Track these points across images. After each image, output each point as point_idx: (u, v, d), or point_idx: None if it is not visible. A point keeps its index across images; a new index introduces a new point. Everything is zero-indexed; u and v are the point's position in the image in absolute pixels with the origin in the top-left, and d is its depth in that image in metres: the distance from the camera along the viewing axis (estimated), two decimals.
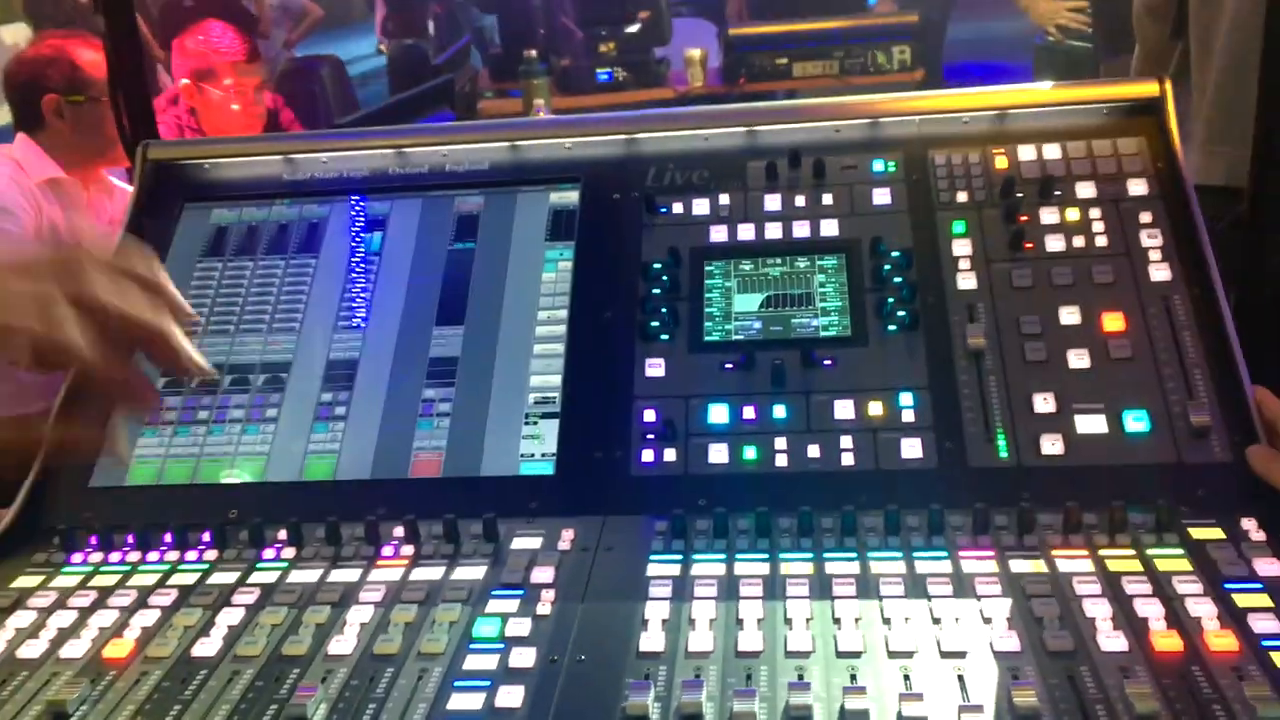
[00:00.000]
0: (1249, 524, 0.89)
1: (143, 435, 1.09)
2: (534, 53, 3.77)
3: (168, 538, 1.00)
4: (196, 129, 2.94)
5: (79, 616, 0.90)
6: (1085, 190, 1.11)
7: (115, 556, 0.99)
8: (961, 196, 1.13)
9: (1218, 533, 0.88)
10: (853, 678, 0.75)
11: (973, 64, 5.73)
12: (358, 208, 1.21)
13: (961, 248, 1.10)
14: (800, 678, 0.75)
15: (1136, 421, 0.97)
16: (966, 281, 1.07)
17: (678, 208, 1.16)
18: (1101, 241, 1.08)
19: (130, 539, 1.00)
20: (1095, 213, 1.10)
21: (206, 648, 0.85)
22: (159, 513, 1.03)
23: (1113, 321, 1.03)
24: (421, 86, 2.87)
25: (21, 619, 0.91)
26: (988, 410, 1.00)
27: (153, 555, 0.99)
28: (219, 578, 0.94)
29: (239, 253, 1.19)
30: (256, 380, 1.11)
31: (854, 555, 0.90)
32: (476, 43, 6.13)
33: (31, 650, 0.86)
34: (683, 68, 4.90)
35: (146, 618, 0.89)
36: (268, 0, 6.95)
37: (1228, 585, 0.82)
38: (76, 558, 1.00)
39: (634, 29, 5.03)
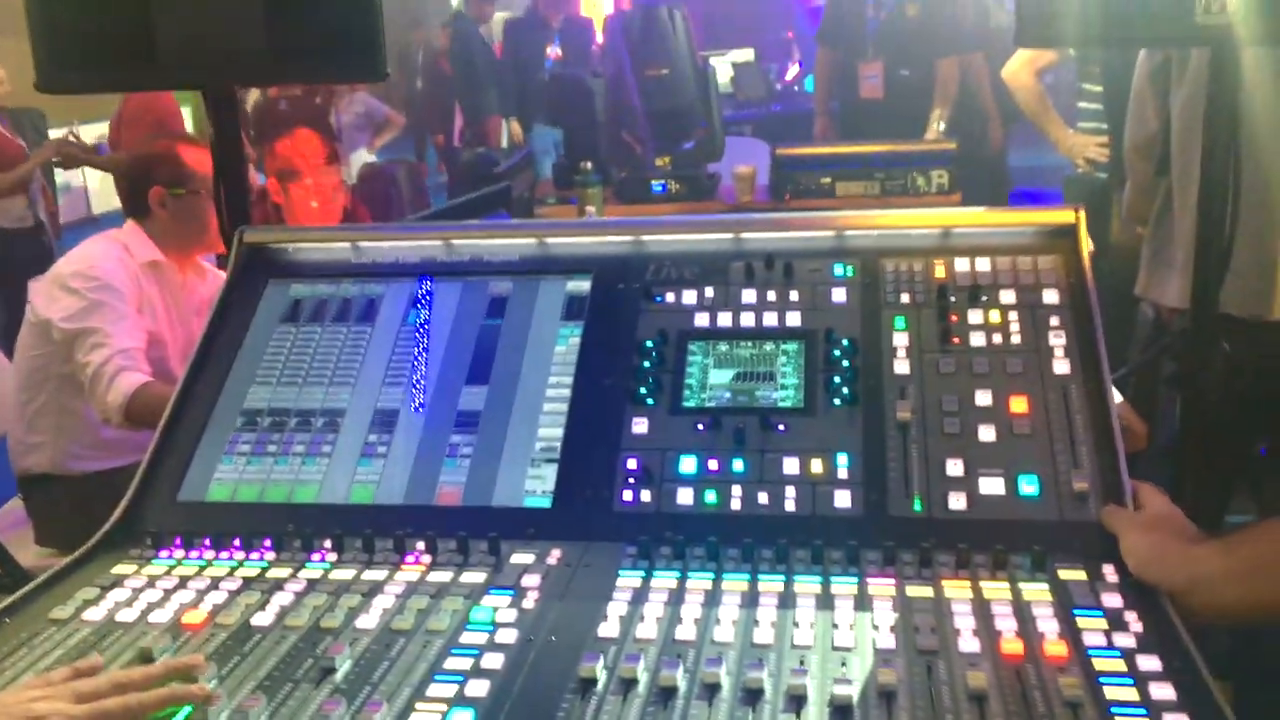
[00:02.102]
0: (1109, 569, 1.09)
1: (222, 462, 1.34)
2: (589, 165, 4.09)
3: (237, 542, 1.24)
4: (280, 223, 3.27)
5: (164, 595, 1.14)
6: (1007, 296, 1.34)
7: (194, 554, 1.23)
8: (904, 298, 1.36)
9: (1081, 574, 1.08)
10: (759, 661, 0.95)
11: (1022, 190, 5.98)
12: (409, 287, 1.47)
13: (900, 340, 1.32)
14: (718, 658, 0.96)
15: (1029, 485, 1.18)
16: (902, 367, 1.30)
17: (670, 297, 1.40)
18: (1016, 339, 1.30)
19: (207, 542, 1.24)
20: (1014, 315, 1.32)
21: (262, 619, 1.08)
22: (231, 523, 1.27)
23: (1018, 404, 1.24)
24: (481, 191, 3.19)
25: (119, 595, 1.15)
26: (908, 471, 1.21)
27: (224, 554, 1.23)
28: (275, 572, 1.18)
29: (310, 320, 1.45)
30: (317, 423, 1.36)
31: (782, 577, 1.11)
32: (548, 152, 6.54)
33: (127, 616, 1.10)
34: (733, 183, 5.21)
35: (217, 597, 1.13)
36: (354, 109, 7.47)
37: (1076, 611, 1.02)
38: (164, 554, 1.24)
39: (689, 146, 5.37)
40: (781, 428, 1.26)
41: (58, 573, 1.21)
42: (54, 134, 5.93)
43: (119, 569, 1.21)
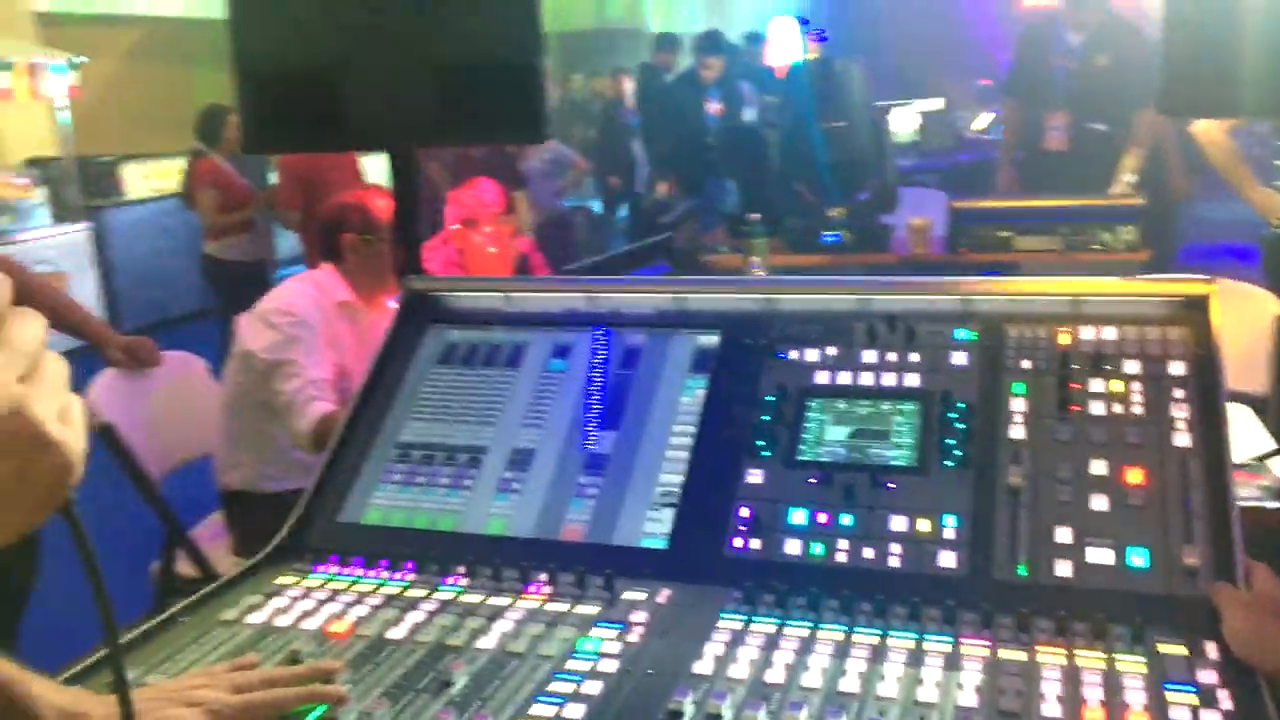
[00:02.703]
0: (1210, 646, 1.08)
1: (377, 489, 1.48)
2: (757, 216, 4.17)
3: (384, 562, 1.37)
4: (462, 266, 3.49)
5: (316, 605, 1.28)
6: (1131, 366, 1.34)
7: (347, 571, 1.37)
8: (1025, 364, 1.38)
9: (1181, 649, 1.08)
10: (839, 709, 1.00)
11: (1206, 247, 5.72)
12: (552, 336, 1.58)
13: (1018, 405, 1.34)
14: (800, 702, 1.01)
15: (1138, 557, 1.18)
16: (1017, 432, 1.31)
17: (793, 354, 1.47)
18: (1137, 410, 1.30)
19: (358, 560, 1.38)
20: (1137, 386, 1.32)
21: (396, 633, 1.19)
22: (381, 545, 1.40)
23: (1134, 475, 1.24)
24: (642, 241, 3.31)
25: (279, 602, 1.29)
26: (1015, 536, 1.23)
27: (372, 573, 1.36)
28: (413, 592, 1.30)
29: (462, 363, 1.59)
30: (461, 458, 1.48)
31: (878, 631, 1.15)
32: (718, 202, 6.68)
33: (282, 621, 1.24)
34: (906, 234, 5.18)
35: (360, 610, 1.25)
36: (542, 155, 7.79)
37: (1167, 686, 1.02)
38: (321, 569, 1.38)
39: (864, 197, 5.38)
40: (892, 485, 1.30)
41: (230, 580, 1.37)
42: (273, 177, 6.47)
43: (281, 580, 1.35)
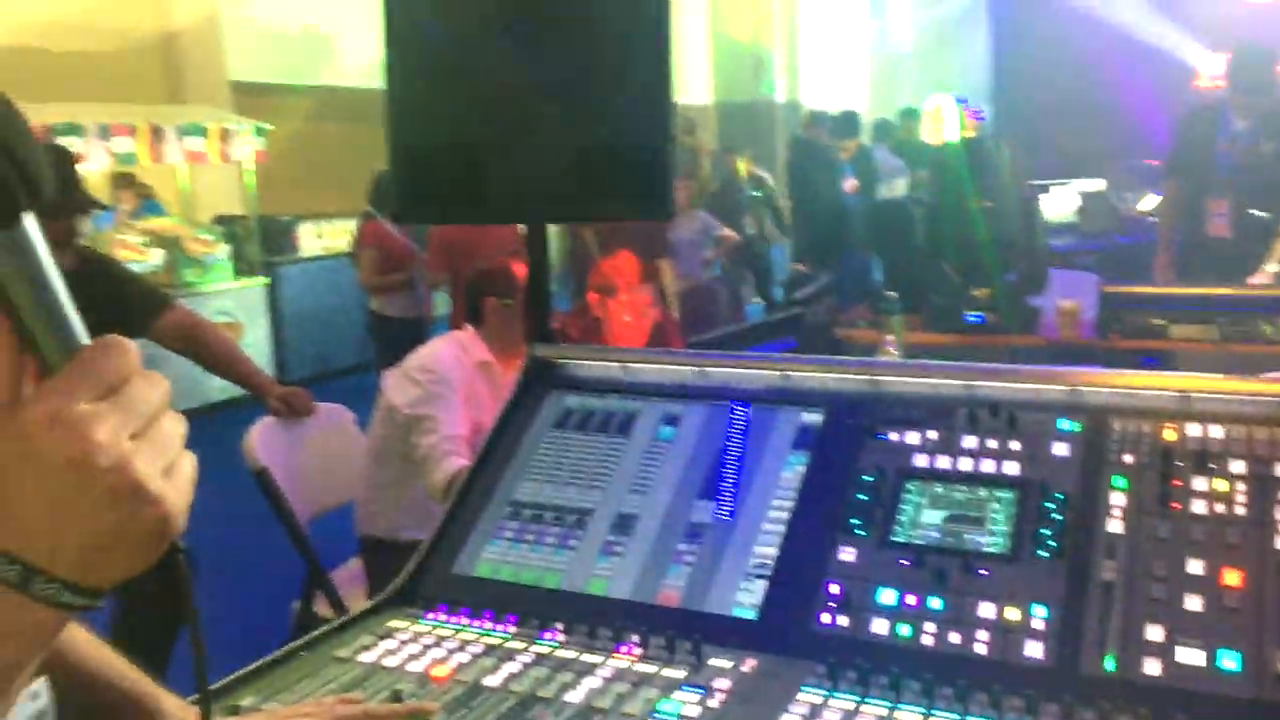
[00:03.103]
0: None
1: (489, 544, 1.56)
2: (894, 294, 4.17)
3: (489, 613, 1.45)
4: (599, 333, 3.61)
5: (422, 649, 1.36)
6: (1237, 466, 1.32)
7: (454, 619, 1.45)
8: (1128, 458, 1.37)
9: None
10: None
11: None
12: (662, 407, 1.65)
13: (1117, 499, 1.33)
14: None
15: (1230, 660, 1.16)
16: (1115, 526, 1.31)
17: (894, 436, 1.49)
18: (1240, 510, 1.28)
19: (465, 610, 1.46)
20: (1241, 486, 1.30)
21: (492, 681, 1.27)
22: (488, 597, 1.48)
23: (1231, 577, 1.22)
24: (770, 317, 3.37)
25: (389, 644, 1.38)
26: (1105, 631, 1.22)
27: (477, 623, 1.44)
28: (513, 644, 1.37)
29: (576, 429, 1.67)
30: (569, 519, 1.56)
31: (957, 716, 1.16)
32: (860, 278, 6.68)
33: (390, 662, 1.33)
34: (1055, 317, 5.07)
35: (462, 657, 1.33)
36: (691, 225, 7.93)
37: None
38: (431, 616, 1.47)
39: (1011, 277, 5.30)
40: (984, 572, 1.31)
41: (349, 620, 1.47)
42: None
43: (394, 623, 1.45)
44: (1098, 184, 9.36)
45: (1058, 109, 12.51)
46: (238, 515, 3.46)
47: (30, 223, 0.70)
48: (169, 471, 0.71)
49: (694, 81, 15.94)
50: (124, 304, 3.12)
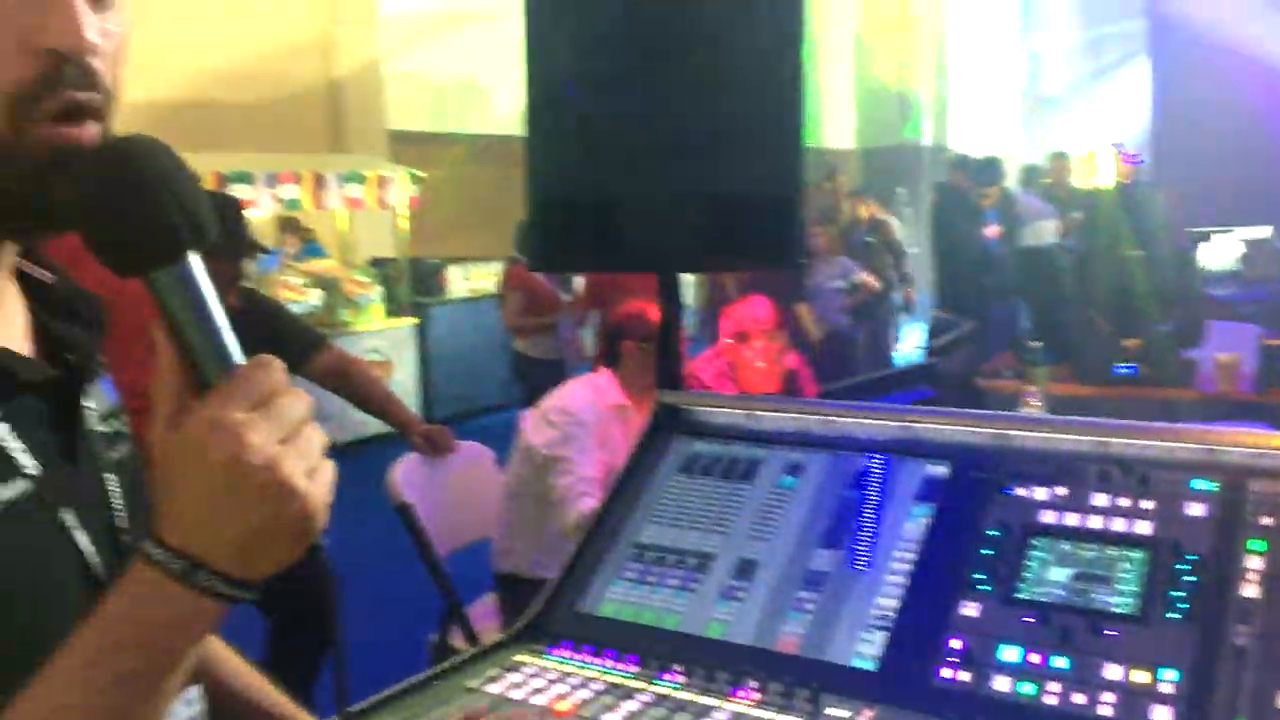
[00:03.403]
0: None
1: (613, 584, 1.61)
2: (1039, 344, 4.07)
3: (611, 652, 1.49)
4: (732, 379, 3.64)
5: (546, 684, 1.41)
6: None
7: (578, 657, 1.50)
8: (1266, 520, 1.33)
9: None
10: None
11: None
12: (786, 455, 1.67)
13: (1254, 563, 1.29)
14: None
15: None
16: (1250, 590, 1.27)
17: (1021, 491, 1.48)
18: None
19: (589, 648, 1.51)
20: None
21: (613, 718, 1.31)
22: (611, 636, 1.52)
23: None
24: (905, 365, 3.33)
25: (515, 678, 1.43)
26: (1235, 697, 1.18)
27: (599, 661, 1.48)
28: (634, 683, 1.41)
29: (701, 474, 1.70)
30: (690, 562, 1.59)
31: None
32: (1005, 327, 6.53)
33: (515, 694, 1.38)
34: (1212, 370, 4.86)
35: (584, 694, 1.38)
36: (831, 271, 7.91)
37: None
38: (556, 652, 1.52)
39: (1165, 328, 5.11)
40: (1111, 633, 1.29)
41: (479, 653, 1.53)
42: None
43: (520, 657, 1.50)
44: (1263, 231, 8.93)
45: (1221, 153, 11.98)
46: (381, 548, 3.60)
47: (195, 260, 0.80)
48: (311, 474, 0.80)
49: (838, 125, 15.90)
50: (282, 343, 3.31)
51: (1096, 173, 10.50)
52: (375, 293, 8.93)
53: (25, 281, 0.94)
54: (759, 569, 1.54)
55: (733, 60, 1.90)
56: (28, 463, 0.83)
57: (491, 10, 10.97)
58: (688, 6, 1.91)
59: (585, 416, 3.04)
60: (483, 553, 3.42)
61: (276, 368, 0.81)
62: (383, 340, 8.81)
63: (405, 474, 3.21)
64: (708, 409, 1.83)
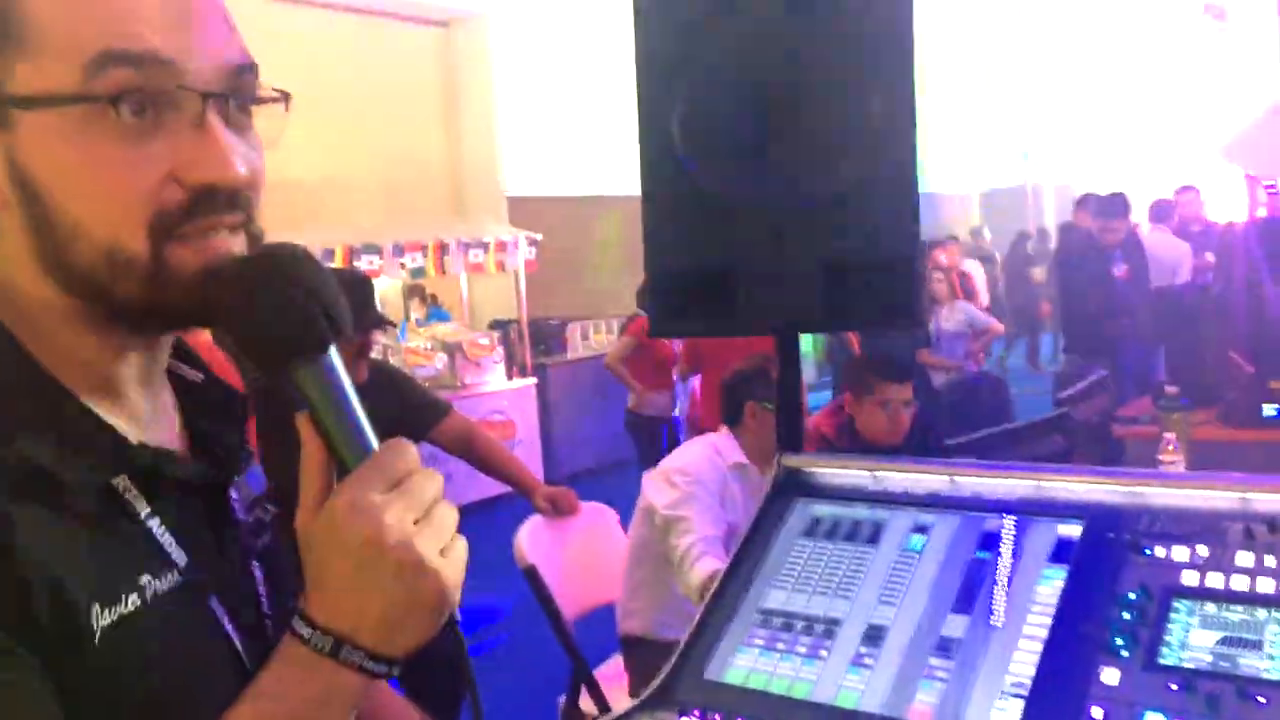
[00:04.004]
0: None
1: (739, 651, 1.60)
2: (1175, 389, 3.92)
3: None
4: (853, 432, 3.60)
5: None
6: None
7: None
8: None
9: None
10: None
11: None
12: (912, 516, 1.65)
13: None
14: None
15: None
16: None
17: (1160, 551, 1.43)
18: None
19: (718, 715, 1.50)
20: None
21: None
22: (738, 705, 1.51)
23: None
24: (1038, 417, 3.25)
25: None
26: None
27: None
28: None
29: (824, 537, 1.69)
30: (818, 629, 1.57)
31: None
32: (1138, 372, 6.29)
33: None
34: None
35: None
36: (955, 317, 7.76)
37: None
38: (684, 719, 1.52)
39: None
40: (1262, 700, 1.23)
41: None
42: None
43: None
44: None
45: None
46: (510, 611, 3.65)
47: (333, 351, 0.87)
48: (445, 551, 0.84)
49: (955, 169, 15.69)
50: (409, 412, 3.42)
51: (1230, 206, 10.10)
52: (496, 354, 9.12)
53: (175, 380, 1.00)
54: (888, 635, 1.52)
55: (846, 124, 1.91)
56: (178, 555, 0.88)
57: (602, 73, 11.23)
58: (800, 72, 1.93)
59: (706, 476, 3.05)
60: (609, 614, 3.44)
61: (409, 449, 0.86)
62: (504, 400, 8.97)
63: (531, 536, 3.25)
64: (830, 470, 1.82)
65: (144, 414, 0.93)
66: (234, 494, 1.00)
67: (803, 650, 1.56)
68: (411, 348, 8.57)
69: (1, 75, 0.83)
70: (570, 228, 11.13)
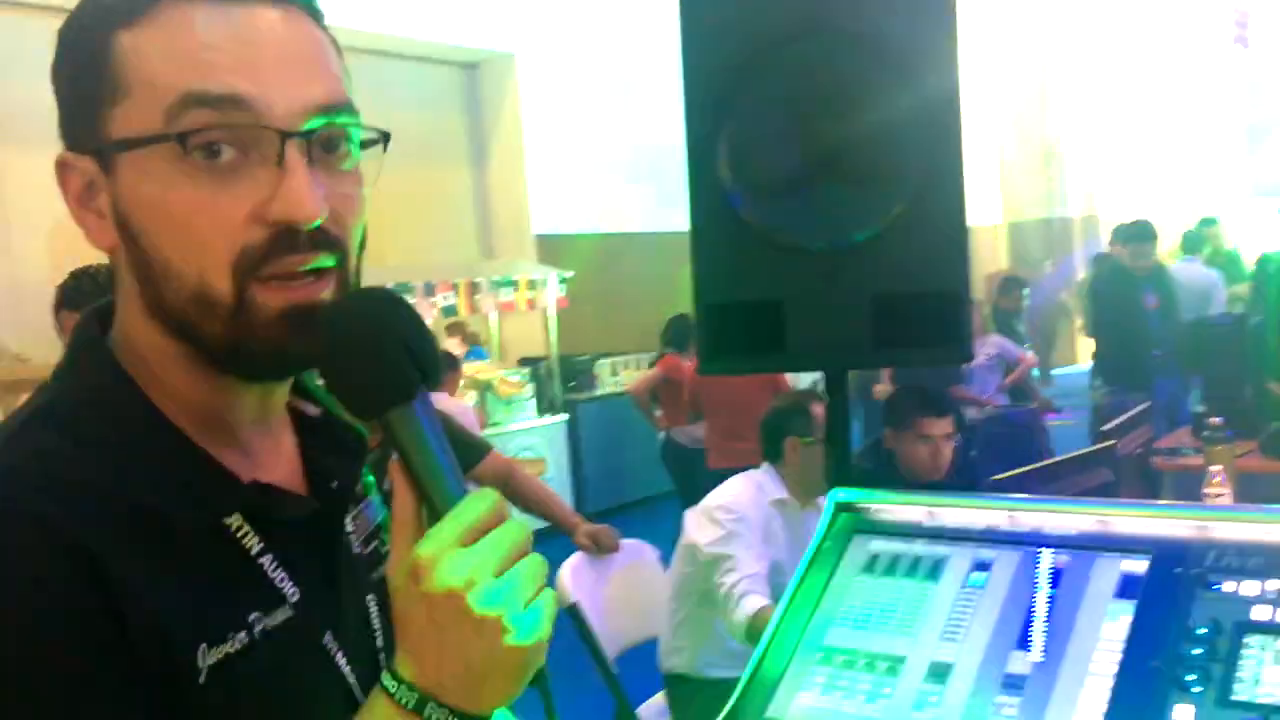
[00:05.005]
0: None
1: (801, 689, 1.59)
2: (1218, 419, 3.88)
3: None
4: (893, 465, 3.58)
5: None
6: None
7: None
8: None
9: None
10: None
11: None
12: (972, 551, 1.64)
13: None
14: None
15: None
16: None
17: (1229, 586, 1.41)
18: None
19: None
20: None
21: None
22: None
23: None
24: (1083, 449, 3.23)
25: None
26: None
27: None
28: None
29: (884, 574, 1.68)
30: (880, 666, 1.56)
31: None
32: (1173, 404, 6.24)
33: None
34: None
35: None
36: (986, 350, 7.72)
37: None
38: None
39: None
40: None
41: None
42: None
43: None
44: None
45: None
46: (550, 648, 3.63)
47: (424, 399, 0.87)
48: (529, 605, 0.82)
49: (983, 200, 15.67)
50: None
51: (1260, 236, 10.04)
52: (527, 391, 9.15)
53: (295, 416, 1.02)
54: (953, 672, 1.50)
55: (894, 159, 1.92)
56: (291, 591, 0.89)
57: (628, 111, 11.32)
58: (848, 109, 1.95)
59: (748, 513, 3.04)
60: (650, 651, 3.42)
61: (495, 498, 0.85)
62: (535, 438, 8.99)
63: (571, 573, 3.25)
64: (885, 506, 1.81)
65: (258, 452, 0.94)
66: (350, 526, 1.00)
67: (866, 688, 1.54)
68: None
69: (105, 122, 0.85)
70: (597, 264, 11.20)
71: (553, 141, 10.98)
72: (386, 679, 0.82)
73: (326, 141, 0.89)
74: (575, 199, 11.18)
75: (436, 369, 0.87)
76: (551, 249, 10.71)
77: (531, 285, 9.33)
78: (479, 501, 0.85)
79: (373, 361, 0.84)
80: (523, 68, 10.91)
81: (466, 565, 0.80)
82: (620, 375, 10.27)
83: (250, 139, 0.85)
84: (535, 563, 0.86)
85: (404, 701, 0.81)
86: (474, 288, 8.90)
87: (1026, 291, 8.89)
